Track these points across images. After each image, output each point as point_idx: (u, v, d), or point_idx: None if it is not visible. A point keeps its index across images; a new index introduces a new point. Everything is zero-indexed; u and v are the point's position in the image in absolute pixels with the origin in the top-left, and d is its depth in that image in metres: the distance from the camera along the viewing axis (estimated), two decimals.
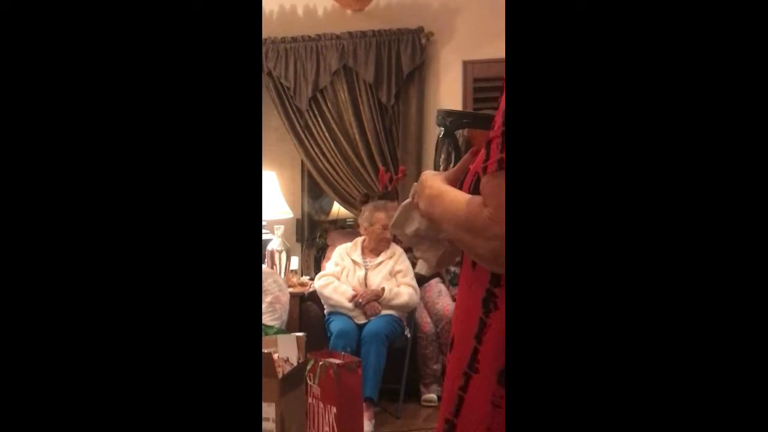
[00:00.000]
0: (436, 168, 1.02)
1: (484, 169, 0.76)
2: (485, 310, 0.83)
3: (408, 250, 3.45)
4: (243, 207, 0.72)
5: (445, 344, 3.64)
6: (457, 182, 0.91)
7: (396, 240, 3.42)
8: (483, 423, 0.82)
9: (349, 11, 4.08)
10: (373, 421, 2.95)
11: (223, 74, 0.69)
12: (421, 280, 3.50)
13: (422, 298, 3.54)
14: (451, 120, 1.03)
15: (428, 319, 3.56)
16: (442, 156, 1.02)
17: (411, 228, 0.98)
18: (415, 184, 1.00)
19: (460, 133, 1.03)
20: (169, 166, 0.69)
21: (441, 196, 0.88)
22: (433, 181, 0.92)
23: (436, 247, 0.99)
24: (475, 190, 0.83)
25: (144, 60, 0.66)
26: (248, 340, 0.70)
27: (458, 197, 0.85)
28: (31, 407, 0.61)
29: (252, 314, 0.71)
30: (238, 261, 0.70)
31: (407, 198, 0.99)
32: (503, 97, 0.80)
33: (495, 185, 0.74)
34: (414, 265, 3.36)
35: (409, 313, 3.47)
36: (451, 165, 0.99)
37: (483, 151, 0.79)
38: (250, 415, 0.72)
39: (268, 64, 4.00)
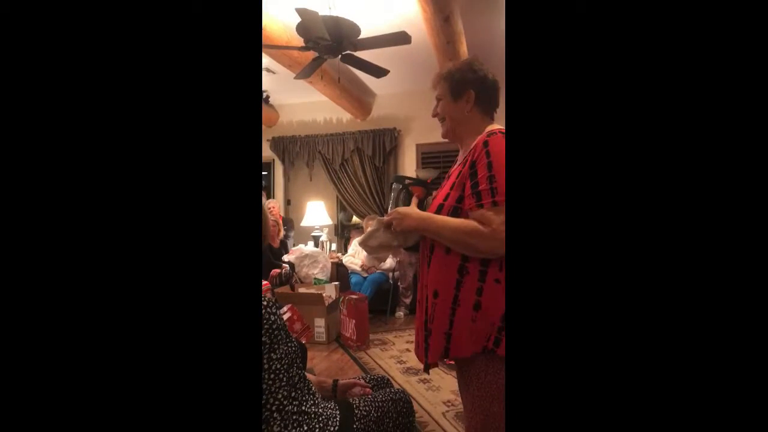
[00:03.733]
0: (395, 206, 1.42)
1: (480, 206, 1.14)
2: (460, 274, 1.22)
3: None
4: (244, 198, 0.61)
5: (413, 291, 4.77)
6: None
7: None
8: (467, 329, 1.18)
9: (359, 120, 5.94)
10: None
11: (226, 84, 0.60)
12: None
13: (404, 264, 4.76)
14: (405, 180, 1.45)
15: (408, 276, 4.82)
16: (399, 200, 1.42)
17: (376, 242, 1.35)
18: (376, 217, 1.51)
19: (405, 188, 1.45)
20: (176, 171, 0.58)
21: (431, 218, 1.24)
22: (411, 212, 1.30)
23: (388, 250, 1.39)
24: (453, 215, 1.24)
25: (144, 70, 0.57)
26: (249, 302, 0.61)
27: (449, 219, 1.22)
28: (31, 399, 0.53)
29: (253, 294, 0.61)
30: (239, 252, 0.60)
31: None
32: (458, 166, 1.26)
33: (493, 213, 1.11)
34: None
35: (392, 271, 4.97)
36: (400, 204, 1.43)
37: (470, 195, 1.19)
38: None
39: (320, 149, 6.01)
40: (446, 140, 1.45)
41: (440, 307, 1.25)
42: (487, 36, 3.94)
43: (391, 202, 1.44)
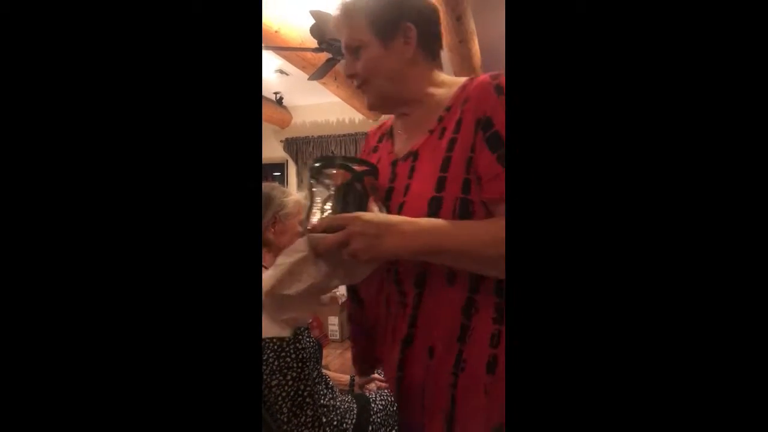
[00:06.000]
0: (344, 209, 0.80)
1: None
2: (467, 316, 0.77)
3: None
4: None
5: None
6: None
7: None
8: (479, 410, 0.74)
9: (371, 120, 5.91)
10: None
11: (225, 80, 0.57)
12: None
13: None
14: (348, 165, 0.83)
15: None
16: (348, 200, 0.82)
17: (303, 285, 0.74)
18: (308, 236, 0.76)
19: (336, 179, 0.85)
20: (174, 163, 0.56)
21: (438, 230, 0.74)
22: (395, 221, 0.75)
23: (317, 297, 0.82)
24: (461, 213, 0.76)
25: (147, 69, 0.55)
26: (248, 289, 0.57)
27: (469, 225, 0.73)
28: (31, 404, 0.52)
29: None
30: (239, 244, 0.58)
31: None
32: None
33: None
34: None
35: None
36: (348, 207, 0.81)
37: (494, 177, 0.72)
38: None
39: (333, 149, 6.11)
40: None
41: (436, 371, 0.83)
42: (500, 34, 4.06)
43: (332, 202, 0.83)
